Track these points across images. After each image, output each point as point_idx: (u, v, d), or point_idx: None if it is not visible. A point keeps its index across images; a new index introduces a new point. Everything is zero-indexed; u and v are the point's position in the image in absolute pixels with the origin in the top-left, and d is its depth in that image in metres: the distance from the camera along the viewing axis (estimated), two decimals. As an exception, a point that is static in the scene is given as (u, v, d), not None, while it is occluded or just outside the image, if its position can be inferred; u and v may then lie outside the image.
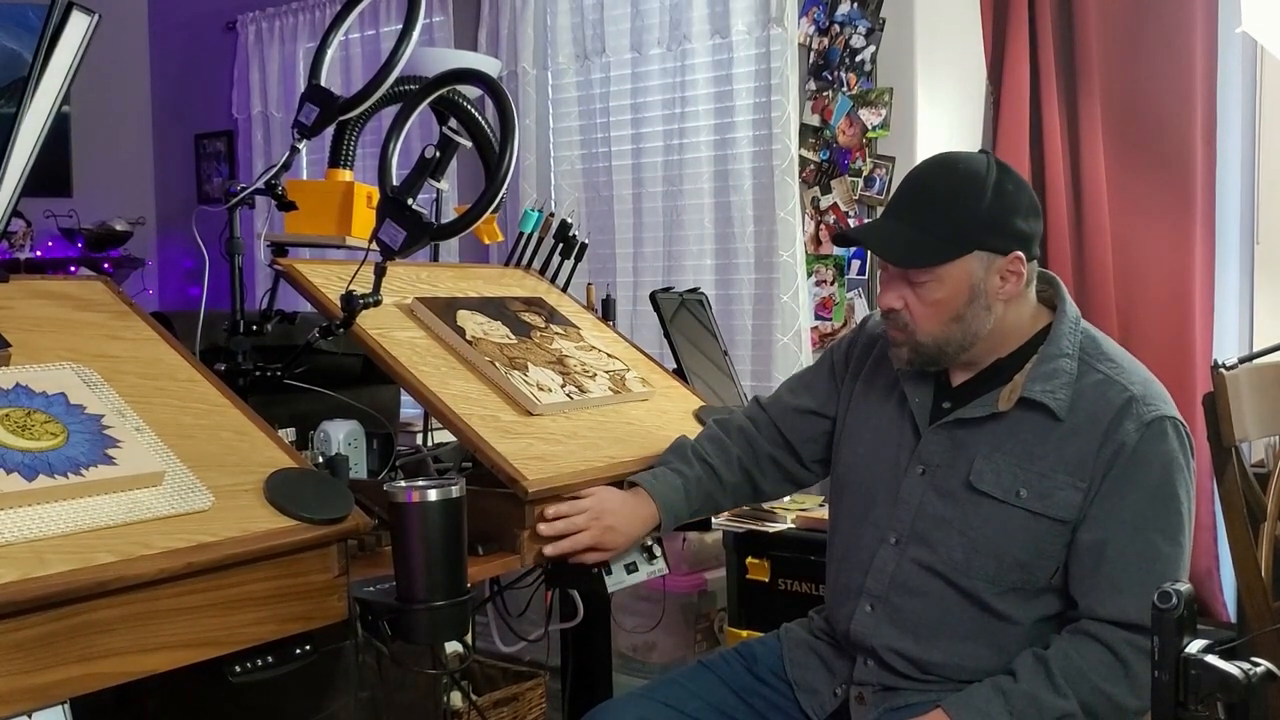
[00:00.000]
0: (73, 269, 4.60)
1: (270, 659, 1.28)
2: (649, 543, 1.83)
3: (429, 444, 2.27)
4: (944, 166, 1.55)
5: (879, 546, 1.59)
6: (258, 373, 1.83)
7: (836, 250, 3.18)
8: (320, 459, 1.77)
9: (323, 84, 1.79)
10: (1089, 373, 1.51)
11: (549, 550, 1.63)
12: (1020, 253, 1.50)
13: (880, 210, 2.60)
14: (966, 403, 1.56)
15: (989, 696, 1.46)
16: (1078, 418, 1.49)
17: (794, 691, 1.67)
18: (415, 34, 1.72)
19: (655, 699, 1.64)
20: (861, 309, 3.15)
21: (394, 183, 1.64)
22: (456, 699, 2.39)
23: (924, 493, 1.56)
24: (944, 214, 1.50)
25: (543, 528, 1.63)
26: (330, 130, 1.90)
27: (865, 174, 3.12)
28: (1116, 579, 1.45)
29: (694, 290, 2.61)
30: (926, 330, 1.52)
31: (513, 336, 1.96)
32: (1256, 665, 1.03)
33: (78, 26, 1.45)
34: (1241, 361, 2.12)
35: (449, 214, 2.21)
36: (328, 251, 2.12)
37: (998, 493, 1.50)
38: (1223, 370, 2.06)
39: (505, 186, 1.65)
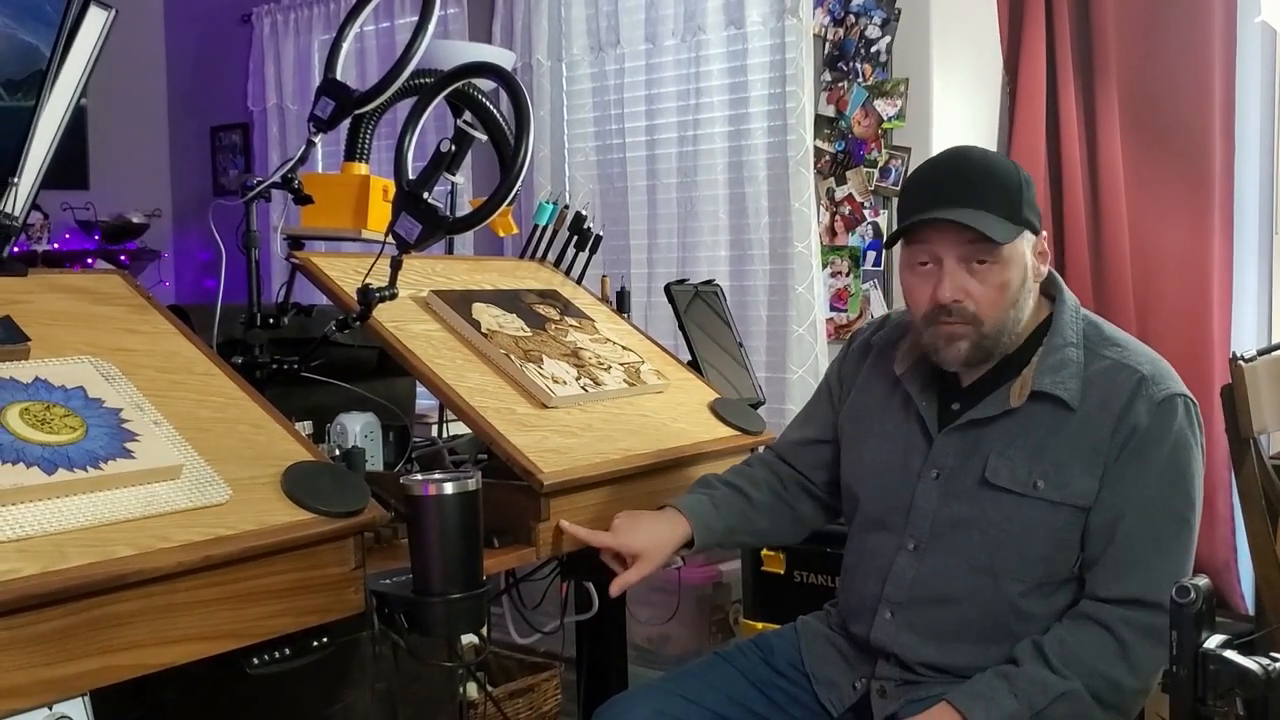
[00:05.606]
0: (89, 261, 4.61)
1: (287, 651, 1.29)
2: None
3: (445, 436, 2.27)
4: (972, 152, 1.55)
5: (897, 554, 1.57)
6: (274, 366, 1.83)
7: (851, 241, 3.17)
8: (337, 451, 1.77)
9: (338, 77, 1.79)
10: (1096, 359, 1.51)
11: (568, 532, 1.63)
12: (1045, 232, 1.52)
13: (896, 202, 2.59)
14: (976, 402, 1.54)
15: (991, 682, 1.45)
16: (1089, 405, 1.48)
17: (812, 684, 1.67)
18: (430, 27, 1.72)
19: (672, 691, 1.63)
20: (876, 300, 3.14)
21: (410, 176, 1.65)
22: (472, 690, 2.40)
23: (940, 497, 1.55)
24: (999, 193, 1.48)
25: (564, 524, 1.63)
26: (346, 123, 1.90)
27: (880, 165, 3.11)
28: (1123, 558, 1.45)
29: (708, 282, 2.60)
30: (993, 317, 1.49)
31: (528, 329, 1.96)
32: (1276, 660, 1.03)
33: (95, 20, 1.46)
34: (1260, 353, 2.11)
35: (464, 207, 2.21)
36: (343, 245, 2.12)
37: (1015, 486, 1.49)
38: (1241, 362, 2.05)
39: (520, 179, 1.64)
